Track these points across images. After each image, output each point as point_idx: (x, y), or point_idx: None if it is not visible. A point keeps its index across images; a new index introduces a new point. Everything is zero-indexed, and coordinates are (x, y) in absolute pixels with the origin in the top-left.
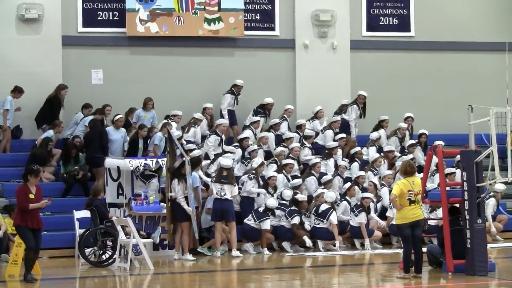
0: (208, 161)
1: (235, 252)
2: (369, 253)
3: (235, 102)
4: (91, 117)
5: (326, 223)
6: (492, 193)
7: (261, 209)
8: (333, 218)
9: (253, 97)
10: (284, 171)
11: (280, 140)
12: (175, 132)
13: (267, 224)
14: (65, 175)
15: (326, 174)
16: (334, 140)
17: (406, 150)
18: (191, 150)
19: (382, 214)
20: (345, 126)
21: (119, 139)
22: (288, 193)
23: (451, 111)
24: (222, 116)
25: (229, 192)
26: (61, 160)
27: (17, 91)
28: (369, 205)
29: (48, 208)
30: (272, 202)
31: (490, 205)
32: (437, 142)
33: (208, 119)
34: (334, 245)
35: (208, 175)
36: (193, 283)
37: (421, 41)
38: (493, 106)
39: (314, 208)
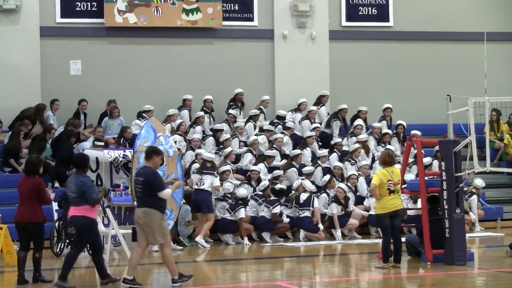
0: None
1: (199, 239)
2: (347, 243)
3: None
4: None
5: (311, 210)
6: (473, 190)
7: (230, 201)
8: (316, 203)
9: (232, 87)
10: (265, 162)
11: (260, 131)
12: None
13: (241, 213)
14: None
15: (304, 164)
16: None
17: (382, 141)
18: None
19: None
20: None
21: None
22: (263, 183)
23: (430, 101)
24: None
25: (209, 182)
26: (28, 150)
27: None
28: (344, 195)
29: None
30: (243, 191)
31: (474, 202)
32: (414, 132)
33: (189, 110)
34: (318, 239)
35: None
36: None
37: (400, 31)
38: (471, 96)
39: (295, 198)
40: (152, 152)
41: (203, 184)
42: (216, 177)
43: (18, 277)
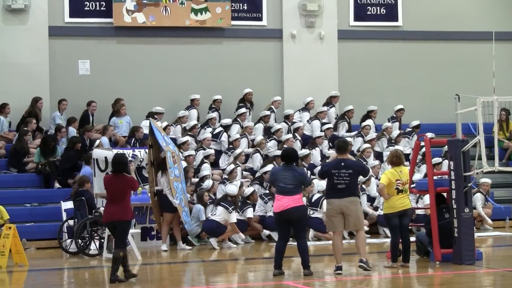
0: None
1: (212, 240)
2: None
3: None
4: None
5: (320, 211)
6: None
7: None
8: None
9: (240, 87)
10: (274, 162)
11: (269, 132)
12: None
13: (249, 213)
14: (40, 166)
15: (313, 164)
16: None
17: (393, 141)
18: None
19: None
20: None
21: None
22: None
23: (438, 100)
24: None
25: (220, 215)
26: (39, 149)
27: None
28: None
29: (35, 199)
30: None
31: (477, 199)
32: (428, 134)
33: (197, 109)
34: (327, 238)
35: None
36: (181, 273)
37: (408, 30)
38: (480, 96)
39: (307, 198)
40: (348, 145)
41: (212, 214)
42: (231, 213)
43: (111, 276)
